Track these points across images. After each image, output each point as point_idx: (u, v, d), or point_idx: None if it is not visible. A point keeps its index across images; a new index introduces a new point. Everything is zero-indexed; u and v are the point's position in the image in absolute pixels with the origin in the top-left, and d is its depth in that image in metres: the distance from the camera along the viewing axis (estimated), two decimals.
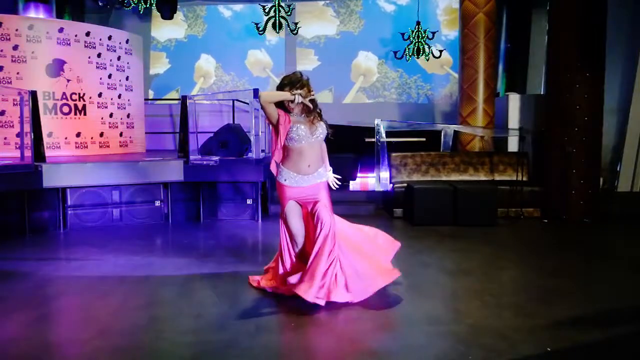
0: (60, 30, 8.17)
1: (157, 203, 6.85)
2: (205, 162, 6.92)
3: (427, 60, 10.54)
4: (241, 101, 10.12)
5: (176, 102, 11.04)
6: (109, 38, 8.81)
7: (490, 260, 5.01)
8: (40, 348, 2.93)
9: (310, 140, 3.61)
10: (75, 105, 8.30)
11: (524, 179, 7.46)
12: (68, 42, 8.21)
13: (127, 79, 9.14)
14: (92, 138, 8.53)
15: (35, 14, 9.53)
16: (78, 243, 5.67)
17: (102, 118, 8.68)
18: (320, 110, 3.69)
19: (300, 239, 3.76)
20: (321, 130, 3.67)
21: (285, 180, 3.69)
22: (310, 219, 3.71)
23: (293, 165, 3.66)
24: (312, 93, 3.61)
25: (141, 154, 8.97)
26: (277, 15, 8.28)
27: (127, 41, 9.19)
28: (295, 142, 3.60)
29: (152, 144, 10.58)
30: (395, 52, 10.63)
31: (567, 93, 6.89)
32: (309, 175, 3.67)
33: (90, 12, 11.47)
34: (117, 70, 8.95)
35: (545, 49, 7.73)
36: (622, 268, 4.82)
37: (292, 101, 3.53)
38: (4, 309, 3.58)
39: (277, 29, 8.40)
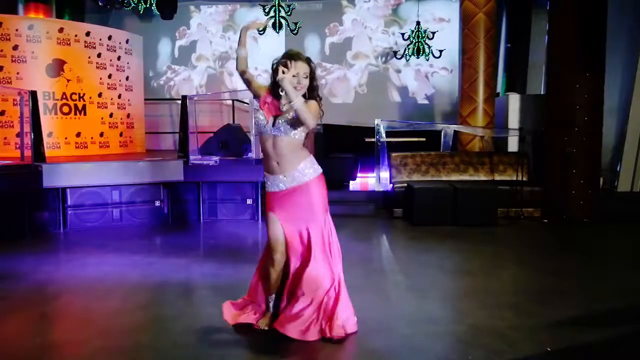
0: (60, 30, 8.17)
1: (157, 203, 6.84)
2: (205, 162, 6.92)
3: (427, 60, 10.53)
4: (241, 101, 10.11)
5: (176, 102, 11.04)
6: (109, 38, 8.81)
7: (490, 260, 5.01)
8: (40, 348, 2.93)
9: (269, 132, 2.86)
10: (75, 105, 8.30)
11: (524, 179, 7.45)
12: (68, 42, 8.21)
13: (127, 79, 9.14)
14: (92, 138, 8.53)
15: (35, 14, 9.52)
16: (78, 243, 5.66)
17: (102, 118, 8.67)
18: (307, 97, 2.86)
19: (279, 255, 3.00)
20: (289, 125, 2.81)
21: (265, 185, 3.02)
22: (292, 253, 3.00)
23: (264, 162, 2.98)
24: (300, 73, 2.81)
25: (141, 154, 8.97)
26: (277, 15, 8.28)
27: (127, 41, 9.19)
28: (258, 131, 2.94)
29: (152, 144, 10.57)
30: (395, 52, 10.63)
31: (567, 93, 6.88)
32: (280, 177, 2.91)
33: (90, 12, 11.45)
34: (117, 70, 8.94)
35: (545, 49, 7.73)
36: (622, 268, 4.82)
37: (276, 72, 2.76)
38: (4, 309, 3.58)
39: (277, 29, 8.40)
